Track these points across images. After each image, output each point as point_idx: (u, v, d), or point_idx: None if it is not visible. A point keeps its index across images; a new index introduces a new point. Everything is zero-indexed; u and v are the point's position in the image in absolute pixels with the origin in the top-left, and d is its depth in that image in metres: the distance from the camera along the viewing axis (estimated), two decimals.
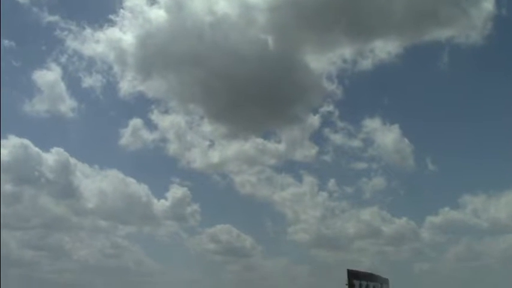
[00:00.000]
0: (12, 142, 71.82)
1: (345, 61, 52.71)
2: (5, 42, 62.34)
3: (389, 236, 71.69)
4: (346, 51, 52.63)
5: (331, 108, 60.58)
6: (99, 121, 79.38)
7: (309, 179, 72.52)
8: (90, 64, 63.50)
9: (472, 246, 60.75)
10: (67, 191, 78.65)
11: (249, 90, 53.79)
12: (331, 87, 55.69)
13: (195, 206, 73.86)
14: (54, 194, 79.91)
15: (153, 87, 56.58)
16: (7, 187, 73.46)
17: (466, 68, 56.92)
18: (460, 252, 62.02)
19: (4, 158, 70.90)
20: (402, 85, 65.92)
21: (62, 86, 65.02)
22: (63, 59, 60.98)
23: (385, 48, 50.01)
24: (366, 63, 55.45)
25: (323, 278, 65.60)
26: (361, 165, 66.00)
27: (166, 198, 71.03)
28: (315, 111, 59.77)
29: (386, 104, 61.94)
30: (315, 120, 61.28)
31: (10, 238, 78.77)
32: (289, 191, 74.77)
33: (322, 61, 54.08)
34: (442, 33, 48.29)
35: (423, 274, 63.01)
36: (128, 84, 60.17)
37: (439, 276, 58.67)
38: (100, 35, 53.01)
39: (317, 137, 60.23)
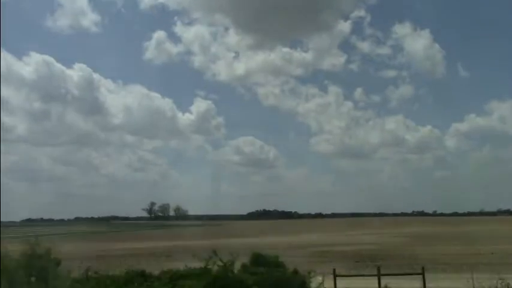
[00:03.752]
0: (35, 59, 72.12)
1: None
2: None
3: (412, 145, 71.58)
4: None
5: (362, 13, 57.09)
6: (121, 35, 76.96)
7: (334, 89, 71.24)
8: None
9: (497, 152, 58.66)
10: (93, 107, 79.70)
11: None
12: None
13: (220, 119, 74.37)
14: (80, 110, 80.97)
15: None
16: (36, 105, 74.69)
17: None
18: (483, 158, 60.05)
19: (30, 75, 71.47)
20: None
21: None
22: None
23: None
24: None
25: (345, 187, 65.26)
26: (390, 73, 63.30)
27: (191, 112, 70.95)
28: (346, 17, 56.65)
29: (418, 8, 57.93)
30: (345, 26, 57.93)
31: (41, 154, 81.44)
32: (314, 102, 74.54)
33: None
34: None
35: (444, 181, 61.25)
36: None
37: (460, 183, 56.82)
38: None
39: (346, 45, 57.36)
